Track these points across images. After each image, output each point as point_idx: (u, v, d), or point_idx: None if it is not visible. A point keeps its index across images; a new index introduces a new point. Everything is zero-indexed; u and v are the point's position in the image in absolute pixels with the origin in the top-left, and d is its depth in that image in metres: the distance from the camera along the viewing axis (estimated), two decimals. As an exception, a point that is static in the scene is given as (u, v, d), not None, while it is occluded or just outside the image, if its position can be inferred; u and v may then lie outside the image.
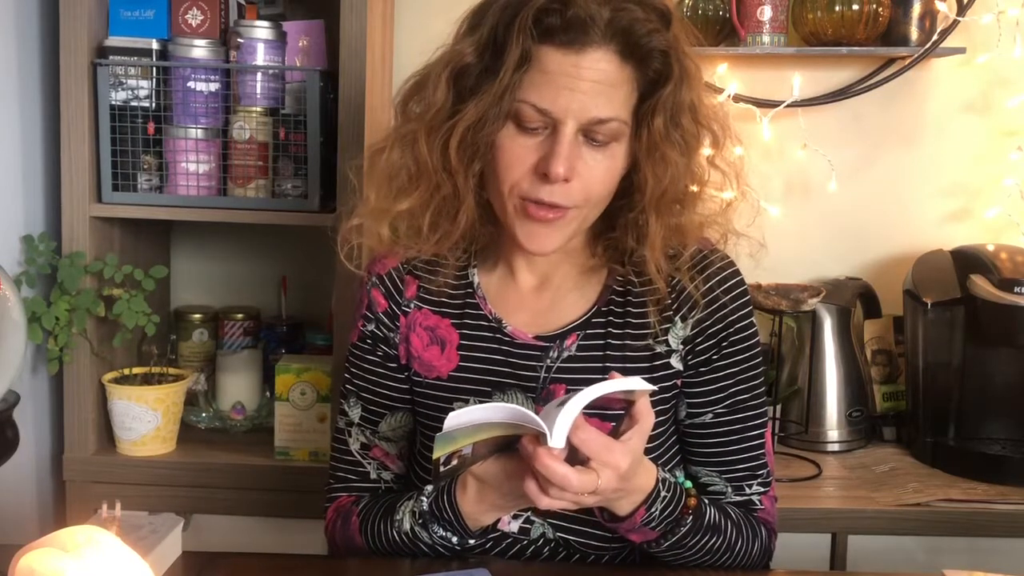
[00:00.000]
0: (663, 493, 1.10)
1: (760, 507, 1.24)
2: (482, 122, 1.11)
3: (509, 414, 0.99)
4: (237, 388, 1.95)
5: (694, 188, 1.20)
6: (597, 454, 1.00)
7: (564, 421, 0.97)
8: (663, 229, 1.17)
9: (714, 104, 1.22)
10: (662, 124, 1.12)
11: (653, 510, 1.09)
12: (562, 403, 0.99)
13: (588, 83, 1.08)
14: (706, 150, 1.21)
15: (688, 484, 1.14)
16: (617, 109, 1.10)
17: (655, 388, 1.04)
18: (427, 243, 1.21)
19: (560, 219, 1.13)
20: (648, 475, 1.08)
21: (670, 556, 1.16)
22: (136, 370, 1.84)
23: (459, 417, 0.98)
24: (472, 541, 1.16)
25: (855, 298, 2.04)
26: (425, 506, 1.16)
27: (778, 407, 1.97)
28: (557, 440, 0.97)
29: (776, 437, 1.94)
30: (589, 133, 1.10)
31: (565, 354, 1.21)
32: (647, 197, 1.16)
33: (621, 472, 1.01)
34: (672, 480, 1.12)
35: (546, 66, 1.09)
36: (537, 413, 1.01)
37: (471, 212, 1.18)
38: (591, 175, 1.12)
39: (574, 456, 1.01)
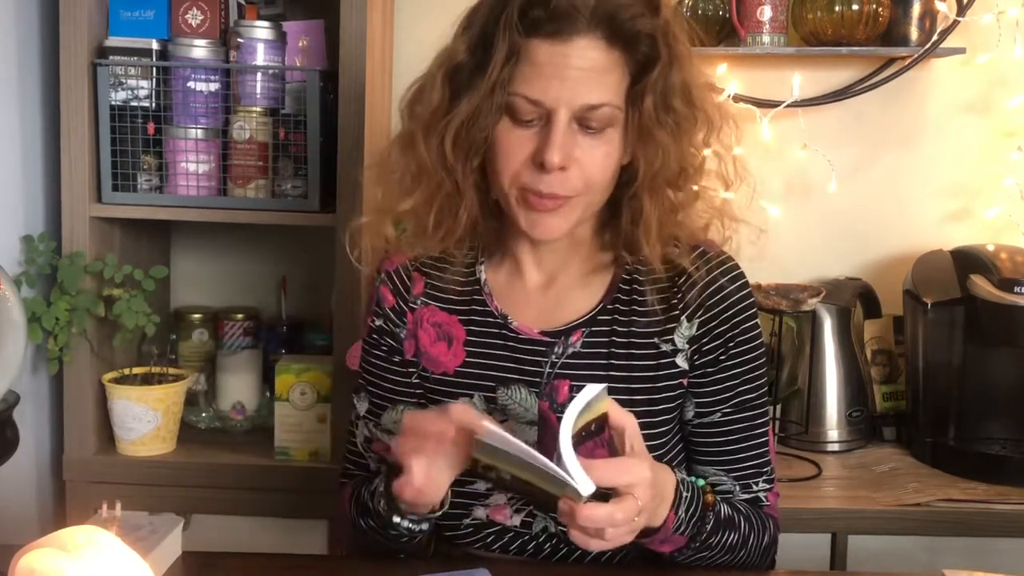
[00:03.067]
0: (684, 494, 1.10)
1: (766, 503, 1.25)
2: (475, 117, 1.13)
3: (528, 456, 0.96)
4: (237, 388, 1.95)
5: (696, 179, 1.21)
6: (618, 479, 0.99)
7: (574, 466, 0.95)
8: (658, 210, 1.18)
9: (712, 92, 1.22)
10: (652, 106, 1.13)
11: (680, 512, 1.09)
12: (557, 458, 0.97)
13: (577, 71, 1.10)
14: (708, 151, 1.22)
15: (702, 482, 1.15)
16: (608, 94, 1.11)
17: (604, 385, 1.02)
18: (432, 241, 1.22)
19: (562, 206, 1.14)
20: (667, 474, 1.09)
21: (695, 561, 1.16)
22: (136, 370, 1.84)
23: (491, 430, 0.97)
24: (417, 527, 1.15)
25: (855, 298, 2.04)
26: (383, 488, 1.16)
27: (778, 407, 1.97)
28: (587, 486, 0.95)
29: (776, 437, 1.94)
30: (583, 120, 1.11)
31: (570, 350, 1.22)
32: (640, 179, 1.17)
33: (649, 480, 1.01)
34: (689, 480, 1.13)
35: (535, 58, 1.10)
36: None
37: (472, 208, 1.20)
38: (589, 162, 1.13)
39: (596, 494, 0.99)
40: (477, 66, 1.13)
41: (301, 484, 1.77)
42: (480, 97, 1.12)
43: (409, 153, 1.19)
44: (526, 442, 0.97)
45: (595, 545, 1.00)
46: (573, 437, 0.97)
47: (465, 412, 1.04)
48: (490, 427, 0.98)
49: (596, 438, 1.00)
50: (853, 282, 2.08)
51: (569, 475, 0.95)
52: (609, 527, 0.98)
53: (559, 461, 0.96)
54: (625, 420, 1.03)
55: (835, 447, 1.96)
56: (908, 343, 1.95)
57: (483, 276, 1.26)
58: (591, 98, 1.10)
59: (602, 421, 1.03)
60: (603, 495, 0.99)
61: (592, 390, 1.00)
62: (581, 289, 1.25)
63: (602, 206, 1.20)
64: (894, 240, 2.12)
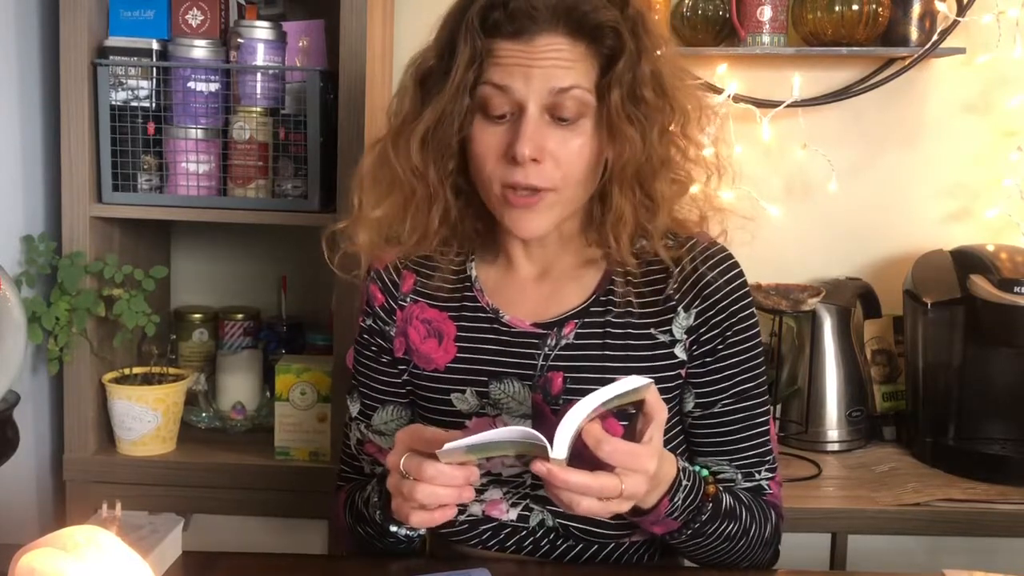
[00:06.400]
0: (684, 482, 1.10)
1: (769, 491, 1.25)
2: (441, 121, 1.14)
3: (507, 434, 0.98)
4: (237, 388, 1.95)
5: (677, 170, 1.20)
6: (625, 463, 0.99)
7: (565, 431, 0.97)
8: (630, 204, 1.18)
9: (689, 84, 1.22)
10: (619, 99, 1.13)
11: (676, 500, 1.10)
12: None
13: (546, 60, 1.11)
14: (707, 151, 1.22)
15: (705, 472, 1.15)
16: (578, 78, 1.12)
17: (651, 381, 1.02)
18: (408, 244, 1.23)
19: (540, 202, 1.14)
20: (670, 465, 1.09)
21: (691, 546, 1.16)
22: (136, 370, 1.84)
23: (453, 448, 0.97)
24: (415, 533, 1.18)
25: (855, 298, 2.04)
26: (376, 497, 1.18)
27: (778, 407, 1.97)
28: (558, 451, 0.97)
29: (776, 436, 1.94)
30: (555, 111, 1.12)
31: (563, 342, 1.21)
32: (608, 172, 1.17)
33: (649, 475, 1.01)
34: (692, 469, 1.13)
35: (500, 57, 1.12)
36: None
37: (449, 211, 1.21)
38: (564, 154, 1.13)
39: (596, 463, 1.00)
40: (444, 71, 1.14)
41: (301, 484, 1.77)
42: (445, 101, 1.13)
43: (382, 160, 1.21)
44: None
45: (566, 503, 0.99)
46: (600, 411, 0.98)
47: (412, 438, 1.05)
48: (447, 446, 0.97)
49: (622, 415, 0.99)
50: (853, 282, 2.08)
51: (546, 439, 0.96)
52: (582, 497, 0.99)
53: (549, 425, 0.97)
54: (657, 411, 1.03)
55: (835, 447, 1.96)
56: (908, 343, 1.95)
57: (473, 273, 1.27)
58: (560, 81, 1.11)
59: (637, 406, 1.04)
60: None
61: (635, 382, 1.00)
62: (574, 281, 1.25)
63: (587, 203, 1.20)
64: (894, 240, 2.12)
